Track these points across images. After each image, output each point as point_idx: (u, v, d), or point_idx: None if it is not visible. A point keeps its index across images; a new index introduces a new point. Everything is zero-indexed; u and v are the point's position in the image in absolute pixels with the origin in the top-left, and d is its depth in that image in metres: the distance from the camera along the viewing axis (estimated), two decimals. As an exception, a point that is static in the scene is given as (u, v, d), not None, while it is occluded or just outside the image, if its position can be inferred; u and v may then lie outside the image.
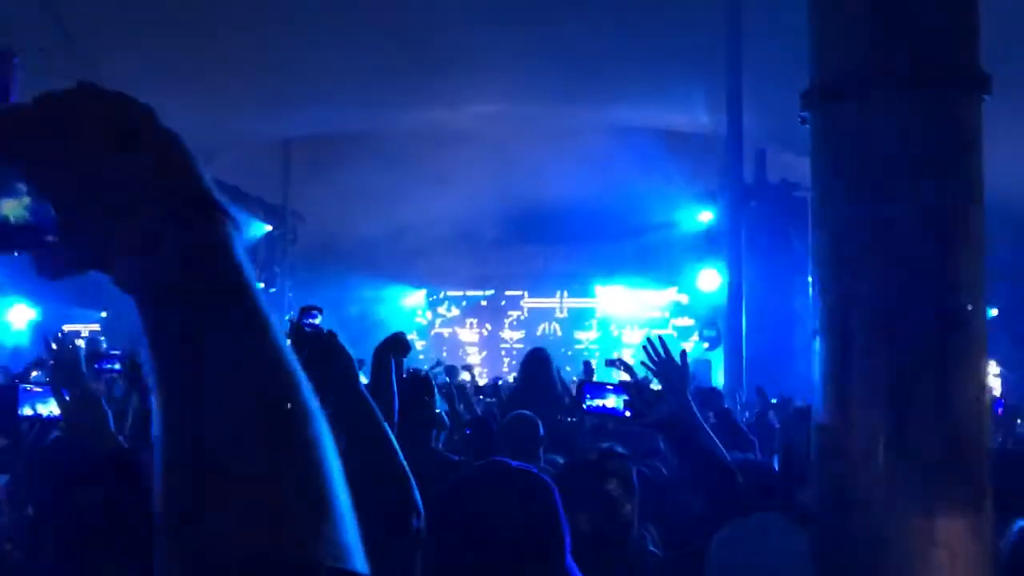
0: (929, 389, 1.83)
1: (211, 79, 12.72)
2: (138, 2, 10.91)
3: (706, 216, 14.09)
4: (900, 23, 1.87)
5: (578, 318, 21.86)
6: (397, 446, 1.78)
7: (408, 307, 21.93)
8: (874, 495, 1.83)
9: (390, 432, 1.78)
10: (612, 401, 3.45)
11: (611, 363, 7.49)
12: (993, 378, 16.39)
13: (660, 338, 3.30)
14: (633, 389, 3.25)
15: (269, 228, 17.32)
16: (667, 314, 20.30)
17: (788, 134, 13.97)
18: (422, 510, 1.74)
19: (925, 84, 1.87)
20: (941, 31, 1.89)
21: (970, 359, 1.87)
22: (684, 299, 18.73)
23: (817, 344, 2.01)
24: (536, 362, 5.99)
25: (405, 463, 1.77)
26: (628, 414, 3.31)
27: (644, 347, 3.25)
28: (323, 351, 1.83)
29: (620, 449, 2.87)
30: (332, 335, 1.89)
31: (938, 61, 1.89)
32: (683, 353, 3.22)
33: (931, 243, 1.85)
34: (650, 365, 3.22)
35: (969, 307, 1.86)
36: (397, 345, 3.36)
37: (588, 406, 3.49)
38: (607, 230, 19.91)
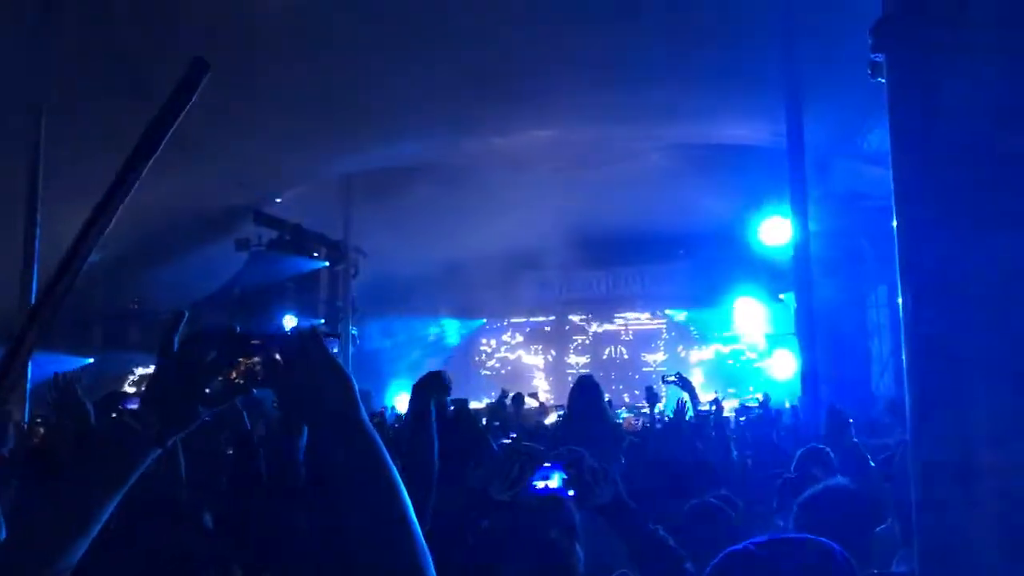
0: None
1: (271, 118, 12.85)
2: (204, 50, 11.04)
3: (775, 231, 13.66)
4: None
5: (645, 340, 21.56)
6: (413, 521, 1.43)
7: (469, 336, 21.88)
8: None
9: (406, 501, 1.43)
10: (555, 481, 3.24)
11: (668, 381, 7.29)
12: None
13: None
14: (573, 467, 3.09)
15: (327, 264, 17.46)
16: (733, 332, 19.84)
17: (852, 144, 13.59)
18: None
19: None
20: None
21: None
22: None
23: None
24: (582, 390, 5.75)
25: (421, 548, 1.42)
26: (571, 493, 3.08)
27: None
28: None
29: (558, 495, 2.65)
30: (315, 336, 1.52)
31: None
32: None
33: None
34: None
35: None
36: (437, 385, 3.18)
37: (534, 488, 3.26)
38: (672, 250, 19.65)
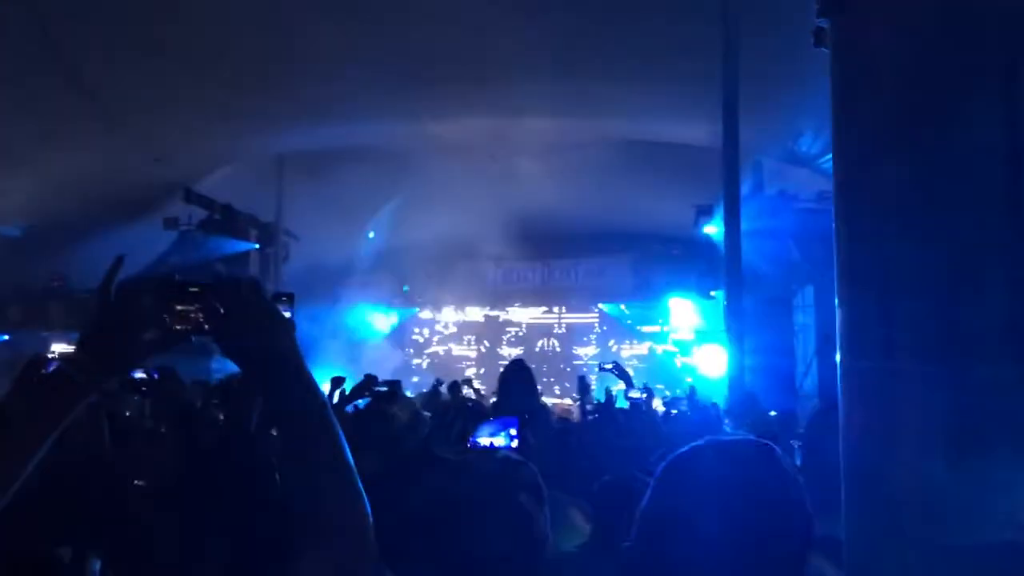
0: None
1: (203, 95, 12.57)
2: (129, 18, 10.77)
3: (708, 230, 13.91)
4: None
5: (577, 333, 21.67)
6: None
7: (401, 325, 21.68)
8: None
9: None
10: (501, 439, 3.32)
11: (604, 369, 7.33)
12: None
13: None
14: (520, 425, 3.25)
15: (258, 246, 17.17)
16: (666, 328, 20.06)
17: (784, 146, 13.83)
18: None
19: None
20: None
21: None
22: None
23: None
24: (514, 373, 5.79)
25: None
26: (514, 446, 3.19)
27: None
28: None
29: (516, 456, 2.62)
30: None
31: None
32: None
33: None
34: None
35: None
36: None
37: (477, 444, 3.34)
38: (606, 244, 19.80)
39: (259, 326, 1.47)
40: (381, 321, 21.02)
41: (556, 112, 14.27)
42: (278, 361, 1.46)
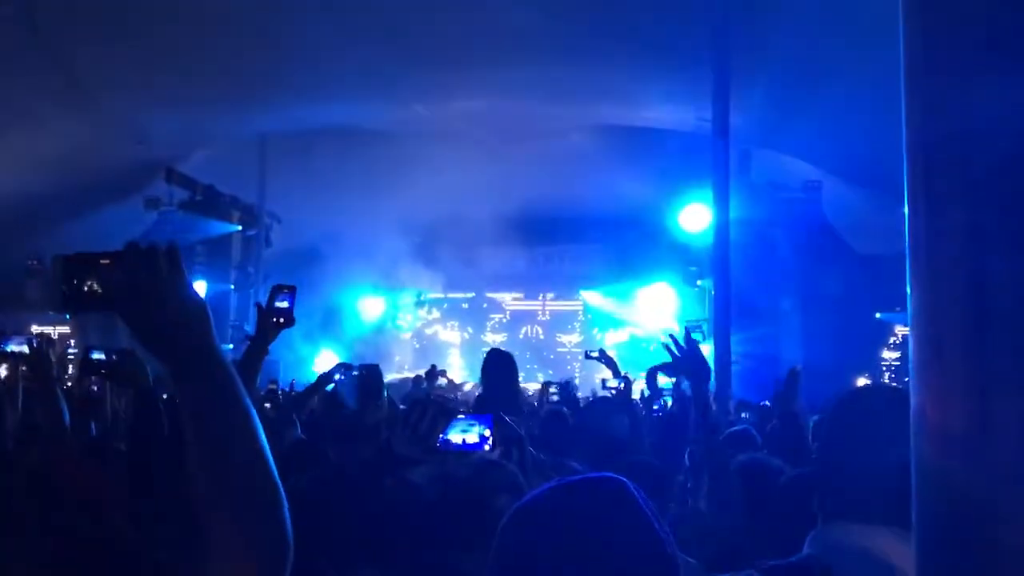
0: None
1: (185, 75, 12.37)
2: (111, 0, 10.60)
3: (694, 218, 13.83)
4: None
5: (561, 321, 21.60)
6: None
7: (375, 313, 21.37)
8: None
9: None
10: (474, 435, 3.03)
11: (590, 356, 7.22)
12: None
13: (687, 330, 3.33)
14: (497, 420, 3.00)
15: (240, 228, 16.95)
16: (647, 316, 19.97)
17: (774, 133, 13.77)
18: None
19: None
20: None
21: None
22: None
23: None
24: (493, 363, 5.67)
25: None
26: (488, 448, 2.88)
27: (666, 345, 3.28)
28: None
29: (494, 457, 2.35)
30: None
31: None
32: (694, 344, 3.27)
33: None
34: (675, 358, 3.27)
35: None
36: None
37: (448, 442, 3.01)
38: (591, 231, 19.70)
39: (165, 306, 1.29)
40: (369, 306, 20.81)
41: (541, 97, 14.14)
42: (186, 351, 1.29)
